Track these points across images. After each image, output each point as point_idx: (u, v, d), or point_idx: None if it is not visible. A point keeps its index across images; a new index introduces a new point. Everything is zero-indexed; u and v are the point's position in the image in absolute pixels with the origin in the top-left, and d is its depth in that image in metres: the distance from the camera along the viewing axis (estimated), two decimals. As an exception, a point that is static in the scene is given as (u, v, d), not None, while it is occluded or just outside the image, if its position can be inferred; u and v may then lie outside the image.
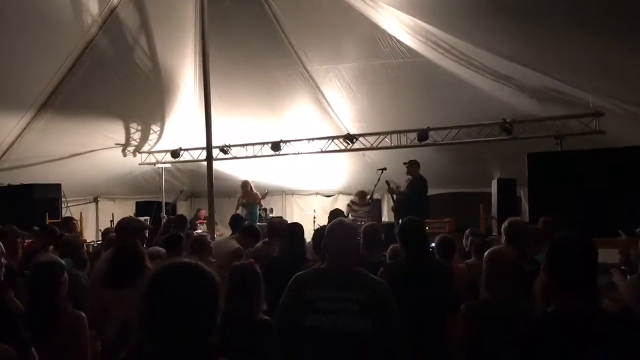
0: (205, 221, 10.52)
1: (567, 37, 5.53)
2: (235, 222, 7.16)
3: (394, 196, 9.91)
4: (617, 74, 6.21)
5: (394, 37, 8.21)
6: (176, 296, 1.66)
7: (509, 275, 3.12)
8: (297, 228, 5.42)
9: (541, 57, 6.63)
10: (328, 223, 6.57)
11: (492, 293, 3.13)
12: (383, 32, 8.21)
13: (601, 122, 8.03)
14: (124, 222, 4.43)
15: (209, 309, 1.71)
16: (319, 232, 6.00)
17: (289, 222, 7.65)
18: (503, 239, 4.36)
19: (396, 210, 9.88)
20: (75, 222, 8.27)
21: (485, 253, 3.34)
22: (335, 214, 7.09)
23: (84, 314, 3.34)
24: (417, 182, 9.57)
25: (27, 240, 5.76)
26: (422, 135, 9.60)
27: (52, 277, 3.27)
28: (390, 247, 5.30)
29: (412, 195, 9.44)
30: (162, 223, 10.33)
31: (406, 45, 8.26)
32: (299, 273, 3.09)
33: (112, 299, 3.77)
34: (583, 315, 2.18)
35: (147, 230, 5.05)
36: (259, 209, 11.82)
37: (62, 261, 3.54)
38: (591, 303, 2.25)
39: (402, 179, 10.53)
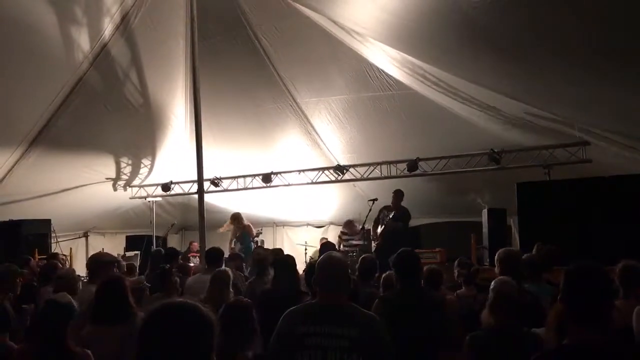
0: (198, 254, 10.46)
1: (552, 70, 5.63)
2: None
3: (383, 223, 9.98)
4: (601, 105, 6.32)
5: (382, 70, 8.33)
6: (169, 337, 1.64)
7: (512, 305, 3.22)
8: (289, 259, 5.40)
9: (527, 89, 6.75)
10: (319, 253, 6.61)
11: (497, 321, 3.22)
12: (371, 66, 8.33)
13: (588, 151, 8.12)
14: (94, 257, 4.54)
15: (203, 349, 1.68)
16: (311, 266, 6.03)
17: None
18: (497, 269, 4.36)
19: (383, 238, 9.90)
20: (64, 257, 8.21)
21: (492, 283, 3.42)
22: (326, 244, 7.08)
23: (89, 352, 3.27)
24: (406, 214, 9.71)
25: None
26: (412, 165, 9.68)
27: (62, 319, 3.19)
28: (384, 275, 5.30)
29: (405, 228, 9.56)
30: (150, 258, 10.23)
31: (394, 78, 8.38)
32: (291, 308, 3.08)
33: (92, 334, 3.72)
34: (601, 348, 2.16)
35: (117, 264, 5.05)
36: (252, 242, 11.77)
37: (73, 300, 3.49)
38: (607, 335, 2.23)
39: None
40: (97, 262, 4.76)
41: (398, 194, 9.85)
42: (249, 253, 10.81)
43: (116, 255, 8.06)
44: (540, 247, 5.81)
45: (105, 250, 11.15)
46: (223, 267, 5.95)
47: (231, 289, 5.01)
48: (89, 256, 4.92)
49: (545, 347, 2.90)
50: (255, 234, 11.51)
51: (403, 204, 9.85)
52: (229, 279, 5.04)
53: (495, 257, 4.48)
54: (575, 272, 2.32)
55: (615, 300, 2.32)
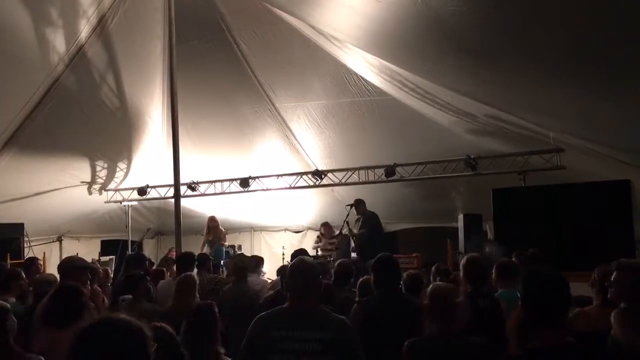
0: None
1: (527, 77, 5.71)
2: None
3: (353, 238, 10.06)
4: (575, 112, 6.41)
5: (361, 76, 8.37)
6: (99, 354, 1.64)
7: (449, 311, 3.16)
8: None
9: (503, 96, 6.83)
10: (291, 260, 6.56)
11: (436, 329, 3.17)
12: (350, 71, 8.37)
13: (562, 157, 8.24)
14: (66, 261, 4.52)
15: None
16: (284, 270, 6.01)
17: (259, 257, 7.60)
18: (461, 274, 4.39)
19: (359, 248, 9.95)
20: (41, 263, 8.03)
21: (428, 289, 3.38)
22: (298, 253, 7.02)
23: (41, 357, 3.19)
24: (373, 219, 9.76)
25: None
26: (389, 171, 9.73)
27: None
28: (360, 280, 5.31)
29: (374, 233, 9.61)
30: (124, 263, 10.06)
31: (372, 84, 8.42)
32: (262, 313, 3.09)
33: (51, 339, 3.64)
34: (565, 350, 2.25)
35: (89, 270, 4.96)
36: (225, 247, 11.70)
37: (7, 304, 3.42)
38: (567, 337, 2.32)
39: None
40: (70, 267, 4.64)
41: (357, 203, 10.04)
42: (218, 257, 10.78)
43: (91, 260, 7.91)
44: (520, 254, 5.85)
45: (80, 255, 10.98)
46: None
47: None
48: (61, 260, 4.80)
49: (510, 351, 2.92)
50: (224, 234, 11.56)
51: (371, 208, 9.97)
52: (195, 284, 5.06)
53: (461, 263, 4.47)
54: (538, 278, 2.42)
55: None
